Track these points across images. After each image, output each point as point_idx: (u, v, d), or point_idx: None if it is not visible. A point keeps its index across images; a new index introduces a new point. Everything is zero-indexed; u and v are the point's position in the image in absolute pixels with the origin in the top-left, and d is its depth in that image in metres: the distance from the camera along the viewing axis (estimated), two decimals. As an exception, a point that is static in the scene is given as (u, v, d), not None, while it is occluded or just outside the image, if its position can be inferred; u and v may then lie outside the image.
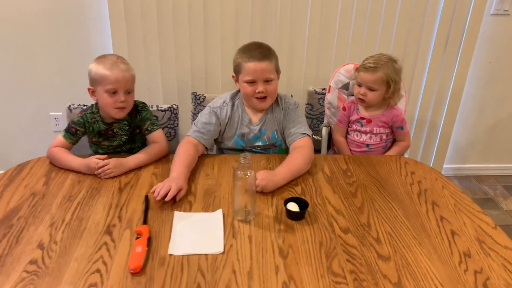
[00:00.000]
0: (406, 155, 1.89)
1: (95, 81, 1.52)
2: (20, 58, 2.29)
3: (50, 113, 2.43)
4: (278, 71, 1.61)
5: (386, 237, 1.20)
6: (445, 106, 2.57)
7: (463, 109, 2.66)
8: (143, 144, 1.68)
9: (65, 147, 1.58)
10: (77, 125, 1.59)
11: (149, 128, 1.62)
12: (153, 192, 1.32)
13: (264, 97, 1.59)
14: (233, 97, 1.69)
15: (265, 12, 2.22)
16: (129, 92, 1.55)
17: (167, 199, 1.30)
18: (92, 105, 1.62)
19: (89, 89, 1.56)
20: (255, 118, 1.67)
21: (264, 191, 1.38)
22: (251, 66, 1.53)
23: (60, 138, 1.58)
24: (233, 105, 1.67)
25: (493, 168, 2.91)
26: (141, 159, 1.53)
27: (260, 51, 1.55)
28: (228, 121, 1.66)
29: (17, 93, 2.37)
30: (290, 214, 1.28)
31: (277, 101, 1.67)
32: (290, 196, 1.37)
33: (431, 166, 2.73)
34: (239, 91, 1.66)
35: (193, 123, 1.67)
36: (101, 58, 1.53)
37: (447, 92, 2.52)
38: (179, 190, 1.34)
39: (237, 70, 1.60)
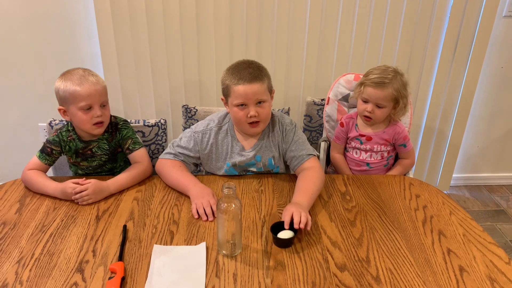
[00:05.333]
0: (411, 173, 1.76)
1: (65, 100, 1.40)
2: (6, 66, 2.19)
3: (39, 124, 2.33)
4: (271, 91, 1.46)
5: (387, 275, 1.08)
6: (454, 113, 2.43)
7: (474, 116, 2.51)
8: (126, 162, 1.57)
9: (41, 169, 1.47)
10: (52, 144, 1.48)
11: (130, 147, 1.51)
12: (197, 218, 1.30)
13: (257, 122, 1.43)
14: (221, 121, 1.53)
15: (261, 17, 2.09)
16: (104, 105, 1.44)
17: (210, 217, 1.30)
18: (68, 122, 1.51)
19: (59, 110, 1.44)
20: (248, 144, 1.52)
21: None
22: (240, 88, 1.38)
23: (35, 159, 1.48)
24: (218, 131, 1.52)
25: (505, 178, 2.76)
26: (122, 182, 1.42)
27: (249, 71, 1.39)
28: (210, 149, 1.52)
29: (4, 103, 2.28)
30: (278, 242, 1.18)
31: (273, 123, 1.52)
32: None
33: (439, 175, 2.62)
34: (229, 113, 1.51)
35: (170, 144, 1.53)
36: (66, 74, 1.41)
37: (456, 98, 2.38)
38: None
39: (226, 93, 1.44)
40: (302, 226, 1.17)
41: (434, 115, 2.42)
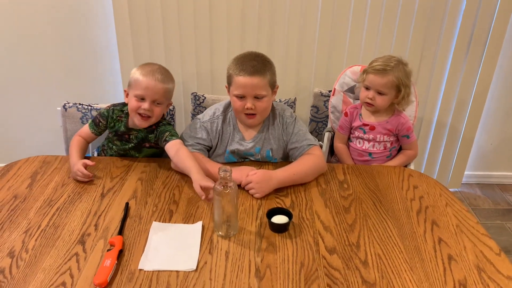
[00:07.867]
0: (412, 165, 1.76)
1: (129, 84, 1.50)
2: (26, 53, 2.27)
3: (58, 108, 2.41)
4: (273, 86, 1.49)
5: (375, 260, 1.11)
6: (467, 108, 2.39)
7: (488, 113, 2.48)
8: (148, 156, 1.62)
9: (87, 136, 1.58)
10: (101, 117, 1.57)
11: (167, 139, 1.50)
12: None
13: (253, 114, 1.47)
14: (226, 109, 1.58)
15: (273, 8, 2.12)
16: (158, 103, 1.48)
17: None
18: (127, 104, 1.56)
19: (125, 91, 1.54)
20: (248, 135, 1.56)
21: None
22: (240, 80, 1.42)
23: (86, 126, 1.59)
24: (224, 118, 1.56)
25: (519, 177, 2.72)
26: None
27: (253, 64, 1.42)
28: (219, 136, 1.56)
29: (24, 88, 2.37)
30: (273, 226, 1.21)
31: (273, 116, 1.56)
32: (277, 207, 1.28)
33: (451, 172, 2.59)
34: None
35: (181, 137, 1.55)
36: (143, 65, 1.51)
37: (470, 93, 2.35)
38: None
39: (229, 81, 1.49)
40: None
41: (446, 110, 2.39)
